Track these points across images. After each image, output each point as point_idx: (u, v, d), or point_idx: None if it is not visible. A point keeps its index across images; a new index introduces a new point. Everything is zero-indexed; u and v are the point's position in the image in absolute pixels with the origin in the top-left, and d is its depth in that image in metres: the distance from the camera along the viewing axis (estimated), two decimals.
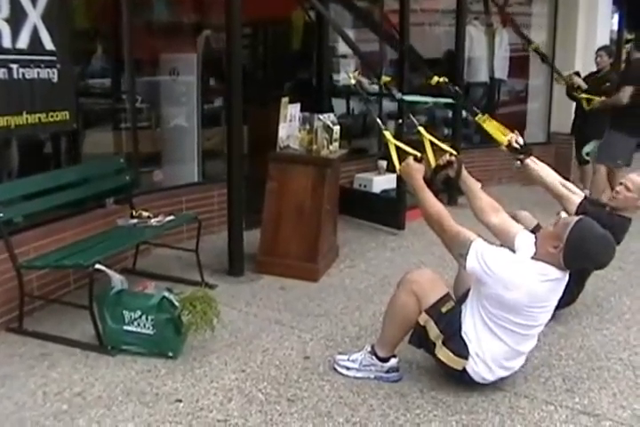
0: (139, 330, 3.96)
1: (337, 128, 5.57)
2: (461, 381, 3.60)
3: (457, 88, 5.12)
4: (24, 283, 4.27)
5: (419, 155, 3.74)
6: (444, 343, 3.48)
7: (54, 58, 4.67)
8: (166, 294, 3.97)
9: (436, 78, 4.83)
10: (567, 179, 4.85)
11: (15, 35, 4.39)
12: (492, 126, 4.48)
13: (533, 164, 4.51)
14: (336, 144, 5.59)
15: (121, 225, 5.04)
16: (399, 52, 6.94)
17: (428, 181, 3.67)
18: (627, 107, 7.11)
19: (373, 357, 3.72)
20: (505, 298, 3.31)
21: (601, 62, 8.20)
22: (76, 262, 4.18)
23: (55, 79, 4.68)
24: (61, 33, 4.72)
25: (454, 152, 3.95)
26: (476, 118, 4.47)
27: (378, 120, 4.06)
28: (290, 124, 5.53)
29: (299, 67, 8.66)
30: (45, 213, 4.78)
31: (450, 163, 3.84)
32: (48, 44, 4.62)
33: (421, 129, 4.31)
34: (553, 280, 3.36)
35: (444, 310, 3.51)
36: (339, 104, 8.76)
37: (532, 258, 3.39)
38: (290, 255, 5.39)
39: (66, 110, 4.82)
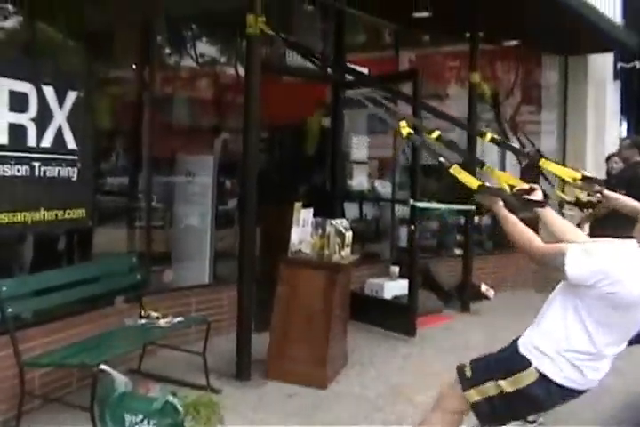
0: None
1: (349, 234, 5.60)
2: (552, 399, 3.25)
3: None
4: (26, 381, 4.18)
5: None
6: (504, 378, 3.19)
7: (75, 157, 4.78)
8: (170, 397, 3.88)
9: (489, 135, 4.79)
10: None
11: (40, 134, 4.52)
12: (556, 167, 4.39)
13: (613, 193, 4.41)
14: (348, 249, 5.60)
15: (129, 325, 4.99)
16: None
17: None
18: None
19: None
20: (623, 295, 3.00)
21: (616, 168, 8.24)
22: (81, 362, 4.13)
23: (74, 177, 4.77)
24: (84, 133, 4.85)
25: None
26: (541, 163, 4.40)
27: (442, 159, 3.89)
28: (302, 229, 5.56)
29: (313, 171, 8.79)
30: (54, 309, 4.74)
31: (532, 189, 3.72)
32: (71, 143, 4.74)
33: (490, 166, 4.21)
34: None
35: (468, 374, 3.30)
36: (352, 208, 8.84)
37: None
38: (298, 361, 5.30)
39: (82, 208, 4.89)
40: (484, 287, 8.63)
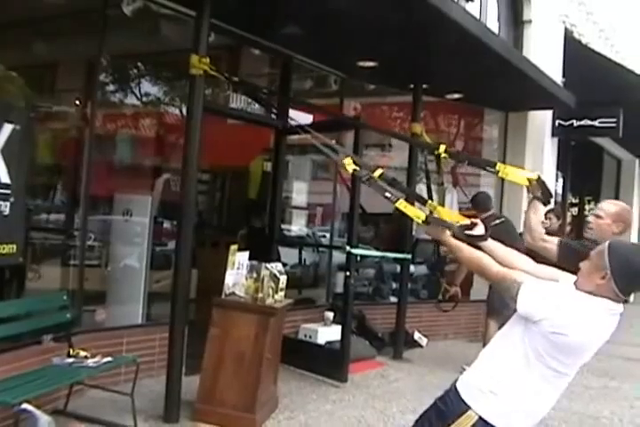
0: None
1: (283, 278, 5.59)
2: None
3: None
4: None
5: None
6: None
7: (8, 191, 4.68)
8: None
9: (443, 146, 4.75)
10: None
11: None
12: (512, 173, 4.36)
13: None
14: (282, 293, 5.58)
15: (56, 364, 4.88)
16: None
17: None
18: None
19: None
20: (566, 339, 3.00)
21: (551, 224, 8.41)
22: (2, 400, 3.99)
23: (6, 212, 4.67)
24: (19, 167, 4.77)
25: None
26: (496, 167, 4.35)
27: (388, 195, 3.93)
28: (237, 272, 5.55)
29: (253, 215, 8.81)
30: None
31: (474, 224, 3.76)
32: (4, 176, 4.65)
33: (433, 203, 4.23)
34: (617, 315, 3.09)
35: None
36: (291, 254, 8.85)
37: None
38: (228, 404, 5.23)
39: (13, 243, 4.77)
40: (417, 335, 8.67)
